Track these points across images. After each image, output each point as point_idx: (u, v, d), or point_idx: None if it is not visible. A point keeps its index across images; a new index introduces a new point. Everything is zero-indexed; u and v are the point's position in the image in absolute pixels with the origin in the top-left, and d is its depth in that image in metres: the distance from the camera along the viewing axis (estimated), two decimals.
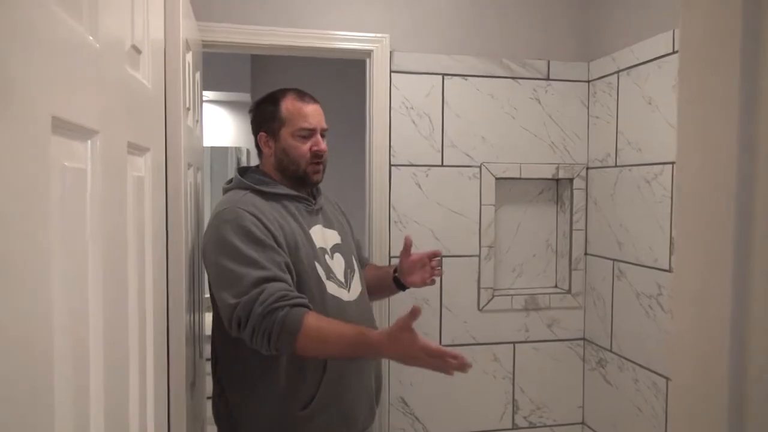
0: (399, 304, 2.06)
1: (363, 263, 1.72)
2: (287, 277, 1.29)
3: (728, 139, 0.55)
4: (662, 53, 1.80)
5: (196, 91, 1.73)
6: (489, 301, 2.16)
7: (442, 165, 2.11)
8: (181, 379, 1.31)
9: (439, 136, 2.11)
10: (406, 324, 1.19)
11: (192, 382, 1.47)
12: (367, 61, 2.08)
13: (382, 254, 2.06)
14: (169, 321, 1.31)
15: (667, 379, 1.78)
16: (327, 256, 1.47)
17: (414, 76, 2.08)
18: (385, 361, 1.90)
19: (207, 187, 2.57)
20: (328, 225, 1.55)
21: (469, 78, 2.12)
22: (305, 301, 1.28)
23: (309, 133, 1.46)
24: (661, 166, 1.81)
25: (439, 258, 1.58)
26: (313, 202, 1.53)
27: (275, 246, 1.32)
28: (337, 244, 1.53)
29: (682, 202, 0.62)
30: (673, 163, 1.75)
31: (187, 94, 1.48)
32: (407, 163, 2.09)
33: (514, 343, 2.20)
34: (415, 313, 1.19)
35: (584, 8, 2.22)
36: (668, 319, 1.77)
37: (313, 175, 1.48)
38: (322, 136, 1.50)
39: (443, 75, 2.10)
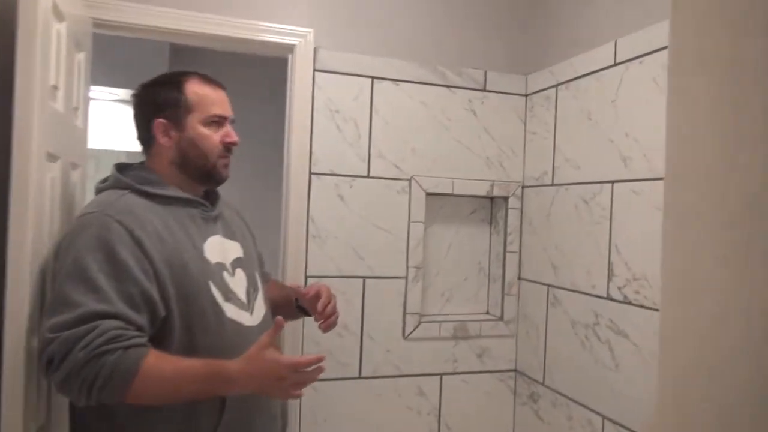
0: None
1: (264, 281, 1.49)
2: (133, 315, 1.04)
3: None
4: (603, 66, 1.69)
5: (79, 75, 1.47)
6: (415, 328, 1.96)
7: (368, 176, 1.92)
8: (16, 423, 1.03)
9: (366, 144, 1.91)
10: (268, 340, 1.04)
11: (42, 425, 1.18)
12: (290, 57, 1.87)
13: (297, 272, 1.83)
14: (3, 347, 1.03)
15: (603, 417, 1.63)
16: (226, 273, 1.23)
17: (340, 77, 1.88)
18: None
19: None
20: (229, 235, 1.31)
21: (401, 83, 1.95)
22: (143, 340, 1.04)
23: (219, 122, 1.24)
24: (600, 185, 1.68)
25: (332, 304, 1.36)
26: (211, 207, 1.29)
27: (137, 274, 1.06)
28: (238, 258, 1.29)
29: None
30: (612, 181, 1.63)
31: (56, 71, 1.22)
32: (329, 173, 1.88)
33: (441, 374, 2.00)
34: (278, 326, 1.06)
35: (523, 19, 2.11)
36: (607, 349, 1.63)
37: (223, 169, 1.26)
38: (232, 124, 1.28)
39: (373, 78, 1.92)
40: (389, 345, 1.94)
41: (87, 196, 1.53)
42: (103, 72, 2.70)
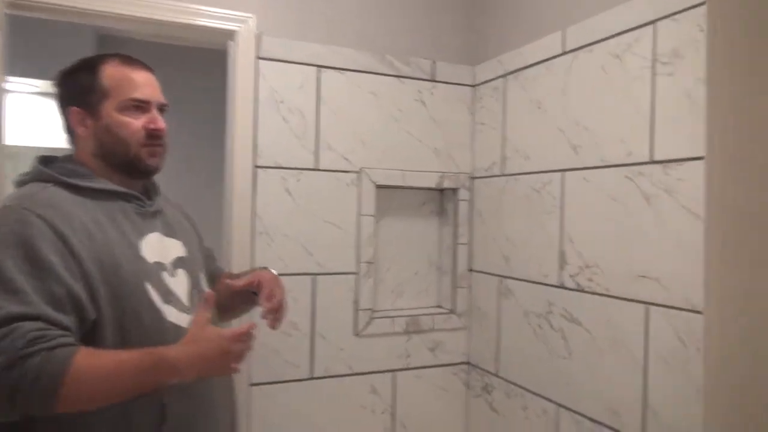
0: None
1: (217, 275, 1.40)
2: (58, 316, 0.93)
3: None
4: (551, 55, 1.69)
5: None
6: (367, 325, 1.90)
7: (316, 169, 1.84)
8: None
9: (313, 135, 1.84)
10: (203, 318, 1.02)
11: None
12: (230, 44, 1.76)
13: (241, 269, 1.73)
14: None
15: (558, 405, 1.64)
16: (165, 273, 1.13)
17: (285, 66, 1.80)
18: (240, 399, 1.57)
19: None
20: (169, 233, 1.21)
21: (348, 72, 1.88)
22: (69, 338, 0.93)
23: (142, 107, 1.13)
24: (550, 174, 1.69)
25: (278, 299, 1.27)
26: (148, 202, 1.18)
27: (61, 273, 0.95)
28: (180, 258, 1.19)
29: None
30: (562, 170, 1.64)
31: None
32: (275, 165, 1.79)
33: (394, 371, 1.96)
34: (208, 301, 1.04)
35: (472, 8, 2.09)
36: (560, 339, 1.64)
37: (149, 158, 1.14)
38: (161, 111, 1.17)
39: (319, 67, 1.84)
40: (341, 343, 1.87)
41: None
42: (22, 62, 2.49)
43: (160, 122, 1.14)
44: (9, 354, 0.86)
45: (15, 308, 0.89)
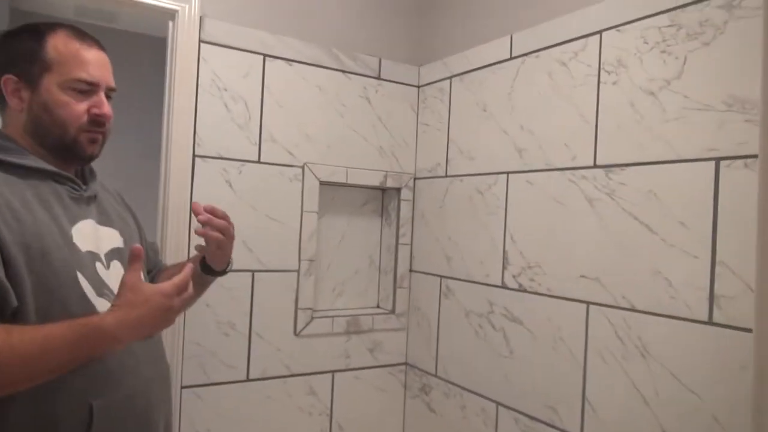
0: (195, 326, 1.67)
1: (161, 269, 1.31)
2: None
3: None
4: (498, 59, 1.73)
5: None
6: (307, 324, 1.85)
7: (258, 161, 1.78)
8: None
9: (256, 126, 1.77)
10: (135, 277, 0.90)
11: None
12: (170, 24, 1.67)
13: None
14: None
15: (498, 403, 1.66)
16: (99, 264, 1.04)
17: (230, 52, 1.72)
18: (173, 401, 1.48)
19: None
20: (105, 221, 1.12)
21: (295, 64, 1.83)
22: None
23: (88, 89, 1.03)
24: (495, 176, 1.72)
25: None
26: (83, 186, 1.08)
27: None
28: (116, 249, 1.10)
29: None
30: (507, 172, 1.67)
31: None
32: (216, 156, 1.71)
33: (333, 371, 1.92)
34: (134, 255, 0.91)
35: (418, 9, 2.10)
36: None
37: (88, 145, 1.05)
38: (108, 97, 1.07)
39: (265, 55, 1.78)
40: (279, 343, 1.81)
41: None
42: None
43: (107, 108, 1.05)
44: None
45: None
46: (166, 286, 0.90)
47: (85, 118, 1.02)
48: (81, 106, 1.02)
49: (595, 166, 1.41)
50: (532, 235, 1.58)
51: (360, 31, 1.98)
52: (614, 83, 1.38)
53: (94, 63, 1.04)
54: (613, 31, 1.38)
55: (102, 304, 0.99)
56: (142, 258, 0.92)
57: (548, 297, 1.52)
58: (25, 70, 1.00)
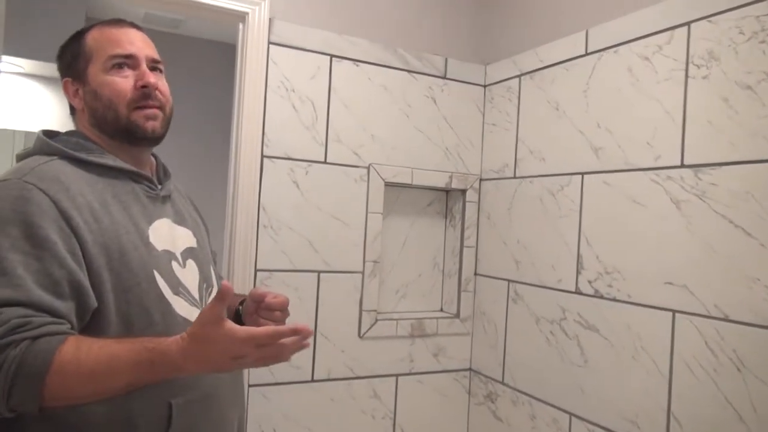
0: None
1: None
2: (53, 302, 0.82)
3: None
4: (572, 56, 1.66)
5: None
6: (372, 327, 1.83)
7: (325, 162, 1.77)
8: None
9: (323, 127, 1.77)
10: (214, 314, 0.79)
11: None
12: (241, 26, 1.68)
13: (245, 266, 1.65)
14: None
15: (571, 414, 1.59)
16: (175, 263, 1.04)
17: (298, 53, 1.73)
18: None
19: None
20: (179, 221, 1.12)
21: (362, 64, 1.82)
22: (59, 326, 0.82)
23: (127, 63, 1.02)
24: (569, 177, 1.65)
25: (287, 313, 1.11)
26: (158, 185, 1.09)
27: (62, 254, 0.85)
28: (190, 248, 1.11)
29: None
30: (582, 173, 1.60)
31: None
32: (284, 156, 1.71)
33: (397, 375, 1.89)
34: (224, 294, 0.78)
35: (484, 7, 2.05)
36: (575, 346, 1.59)
37: (146, 122, 1.02)
38: (155, 69, 1.05)
39: (332, 56, 1.77)
40: (344, 345, 1.80)
41: None
42: (10, 41, 2.36)
43: (151, 77, 1.02)
44: None
45: (1, 293, 0.79)
46: (241, 333, 0.79)
47: (131, 93, 1.01)
48: (126, 82, 1.01)
49: (682, 165, 1.33)
50: (610, 238, 1.51)
51: (426, 30, 1.95)
52: (704, 77, 1.29)
53: (128, 38, 1.03)
54: (704, 22, 1.30)
55: (178, 303, 0.99)
56: (231, 296, 0.82)
57: (628, 304, 1.44)
58: (75, 69, 1.03)
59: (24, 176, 0.89)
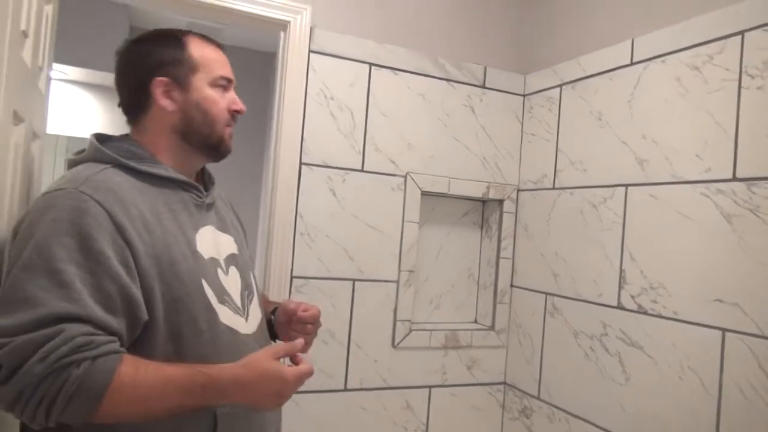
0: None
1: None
2: (107, 319, 0.83)
3: None
4: (616, 65, 1.63)
5: (46, 30, 1.25)
6: (405, 337, 1.81)
7: (362, 170, 1.77)
8: None
9: (361, 135, 1.77)
10: (276, 352, 0.91)
11: None
12: (282, 35, 1.70)
13: (282, 273, 1.65)
14: None
15: None
16: (220, 271, 1.03)
17: (337, 61, 1.73)
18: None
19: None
20: (223, 228, 1.11)
21: (400, 73, 1.82)
22: (115, 345, 0.83)
23: (227, 85, 1.07)
24: (611, 189, 1.61)
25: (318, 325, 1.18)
26: (204, 194, 1.09)
27: (117, 268, 0.85)
28: (232, 255, 1.10)
29: None
30: (626, 185, 1.56)
31: (27, 14, 1.01)
32: (322, 164, 1.72)
33: (430, 387, 1.86)
34: (298, 348, 0.95)
35: (524, 16, 2.03)
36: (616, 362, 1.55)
37: (230, 141, 1.08)
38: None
39: (371, 65, 1.78)
40: (377, 355, 1.78)
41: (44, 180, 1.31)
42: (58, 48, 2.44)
43: (242, 104, 1.09)
44: (50, 362, 0.76)
45: (61, 306, 0.79)
46: (291, 372, 0.88)
47: (227, 113, 1.06)
48: (225, 102, 1.05)
49: (734, 179, 1.28)
50: (655, 253, 1.46)
51: (465, 38, 1.94)
52: (759, 88, 1.25)
53: (225, 62, 1.08)
54: (759, 31, 1.25)
55: (222, 311, 0.98)
56: (301, 351, 0.96)
57: (674, 321, 1.40)
58: (175, 72, 1.02)
59: (80, 186, 0.88)
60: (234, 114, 1.07)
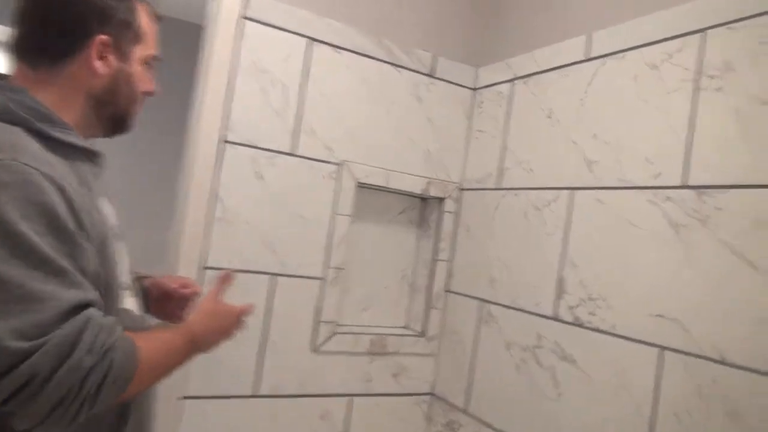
0: None
1: None
2: (100, 298, 0.79)
3: None
4: (571, 61, 1.53)
5: None
6: (328, 340, 1.66)
7: (293, 154, 1.61)
8: None
9: (294, 114, 1.60)
10: (218, 292, 1.04)
11: None
12: None
13: (191, 261, 1.47)
14: None
15: None
16: (117, 243, 0.91)
17: (273, 32, 1.57)
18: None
19: None
20: (109, 197, 0.97)
21: (342, 51, 1.66)
22: (118, 319, 0.80)
23: (152, 66, 0.99)
24: (557, 192, 1.51)
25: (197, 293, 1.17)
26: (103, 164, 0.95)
27: (84, 245, 0.77)
28: (118, 226, 0.96)
29: None
30: (572, 188, 1.46)
31: None
32: (247, 143, 1.54)
33: (352, 395, 1.71)
34: (229, 278, 1.08)
35: (480, 5, 1.92)
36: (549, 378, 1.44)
37: (135, 120, 0.99)
38: None
39: (311, 39, 1.62)
40: (294, 358, 1.62)
41: None
42: None
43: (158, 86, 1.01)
44: (98, 350, 0.72)
45: (73, 294, 0.72)
46: (238, 307, 1.04)
47: (143, 94, 0.97)
48: (148, 84, 0.97)
49: (684, 186, 1.20)
50: (598, 262, 1.36)
51: (416, 23, 1.80)
52: (718, 89, 1.16)
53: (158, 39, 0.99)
54: (722, 28, 1.17)
55: (123, 294, 0.90)
56: (231, 282, 1.08)
57: (611, 336, 1.30)
58: (120, 36, 0.89)
59: (16, 156, 0.72)
60: (150, 95, 0.98)
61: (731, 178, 1.11)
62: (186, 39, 2.24)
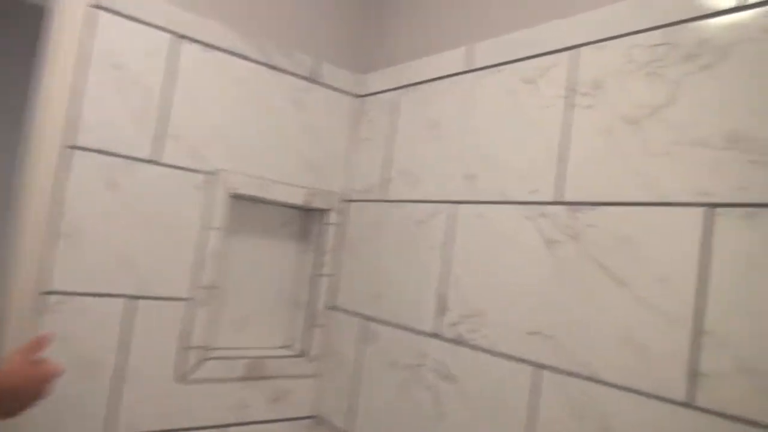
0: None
1: None
2: None
3: None
4: (453, 71, 1.50)
5: None
6: (198, 367, 1.51)
7: (155, 162, 1.44)
8: None
9: (156, 118, 1.44)
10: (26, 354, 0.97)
11: None
12: None
13: (28, 285, 1.26)
14: None
15: None
16: None
17: (131, 24, 1.40)
18: None
19: None
20: None
21: (213, 50, 1.53)
22: None
23: None
24: (438, 205, 1.47)
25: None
26: None
27: None
28: None
29: None
30: (454, 202, 1.43)
31: None
32: (99, 149, 1.36)
33: (225, 426, 1.57)
34: (44, 342, 1.00)
35: (365, 8, 1.85)
36: (430, 400, 1.39)
37: None
38: None
39: (177, 35, 1.46)
40: (156, 390, 1.45)
41: None
42: None
43: None
44: None
45: None
46: (44, 370, 0.96)
47: None
48: None
49: (557, 202, 1.19)
50: (479, 278, 1.33)
51: (296, 24, 1.70)
52: (589, 107, 1.17)
53: None
54: (592, 47, 1.18)
55: None
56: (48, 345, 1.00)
57: (491, 354, 1.27)
58: None
59: None
60: None
61: (600, 196, 1.12)
62: (33, 24, 1.98)
